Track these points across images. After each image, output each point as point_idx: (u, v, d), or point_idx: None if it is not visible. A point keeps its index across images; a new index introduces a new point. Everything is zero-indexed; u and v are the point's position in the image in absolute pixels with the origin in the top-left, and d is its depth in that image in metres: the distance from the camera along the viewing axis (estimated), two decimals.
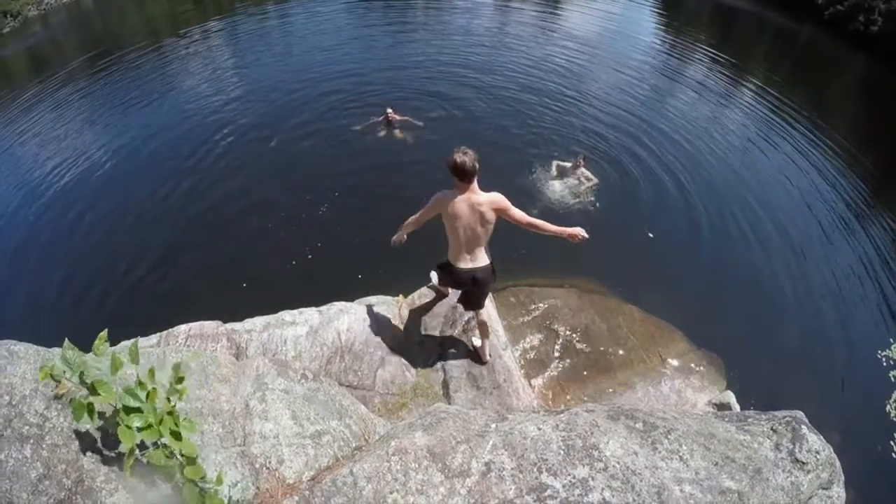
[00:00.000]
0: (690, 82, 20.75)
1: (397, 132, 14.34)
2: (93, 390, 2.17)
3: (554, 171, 12.44)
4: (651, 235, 11.06)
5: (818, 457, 3.07)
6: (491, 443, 3.08)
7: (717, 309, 9.80)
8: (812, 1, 38.11)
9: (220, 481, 2.43)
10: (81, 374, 2.23)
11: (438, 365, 6.14)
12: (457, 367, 6.08)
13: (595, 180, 12.07)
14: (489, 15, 28.89)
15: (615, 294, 9.41)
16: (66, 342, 2.33)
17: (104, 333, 2.37)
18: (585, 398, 7.38)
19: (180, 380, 2.41)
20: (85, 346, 5.17)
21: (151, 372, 2.35)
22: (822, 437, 3.24)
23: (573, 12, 30.44)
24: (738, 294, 10.37)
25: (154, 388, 2.28)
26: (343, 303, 6.80)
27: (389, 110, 14.35)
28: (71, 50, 38.52)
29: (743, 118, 18.24)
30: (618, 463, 2.87)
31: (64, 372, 2.22)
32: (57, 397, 2.42)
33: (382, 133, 14.41)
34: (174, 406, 2.33)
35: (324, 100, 16.83)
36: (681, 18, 34.11)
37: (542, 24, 26.87)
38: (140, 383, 2.28)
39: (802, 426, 3.24)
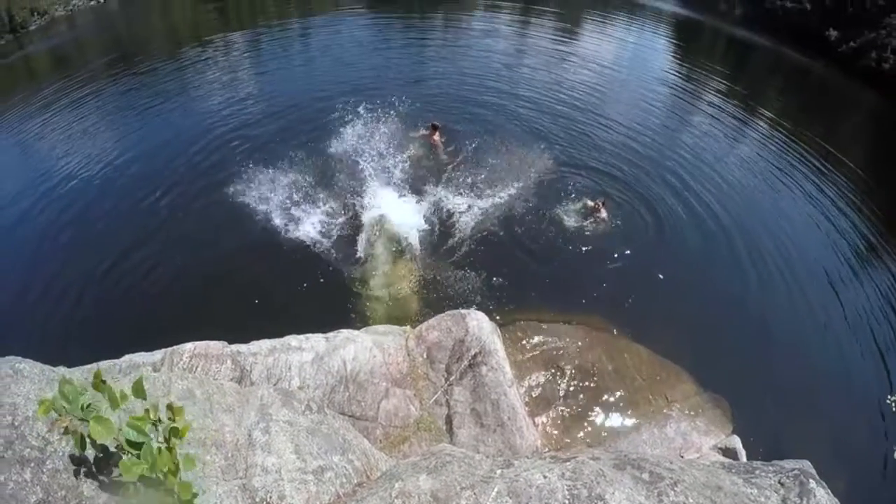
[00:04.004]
0: (703, 116, 20.88)
1: (436, 150, 14.51)
2: (93, 427, 2.14)
3: (574, 208, 12.47)
4: (661, 277, 11.02)
5: None
6: (496, 490, 3.02)
7: (725, 351, 9.71)
8: (825, 37, 38.75)
9: None
10: (82, 408, 2.20)
11: (443, 399, 6.09)
12: (461, 403, 6.03)
13: (609, 223, 12.07)
14: (507, 39, 29.38)
15: (623, 333, 9.34)
16: (63, 376, 2.31)
17: (99, 372, 2.34)
18: (589, 439, 7.26)
19: (179, 413, 2.36)
20: (91, 356, 5.17)
21: (155, 408, 2.32)
22: (829, 490, 3.17)
23: (589, 40, 30.93)
24: (746, 337, 10.28)
25: (156, 424, 2.25)
26: (350, 331, 6.79)
27: (436, 136, 14.61)
28: (94, 51, 39.38)
29: (754, 155, 18.26)
30: None
31: (64, 406, 2.20)
32: (58, 429, 2.40)
33: (417, 151, 14.45)
34: (174, 444, 2.30)
35: (341, 112, 16.64)
36: (696, 50, 34.54)
37: (558, 50, 27.25)
38: (142, 417, 2.25)
39: (810, 480, 3.17)
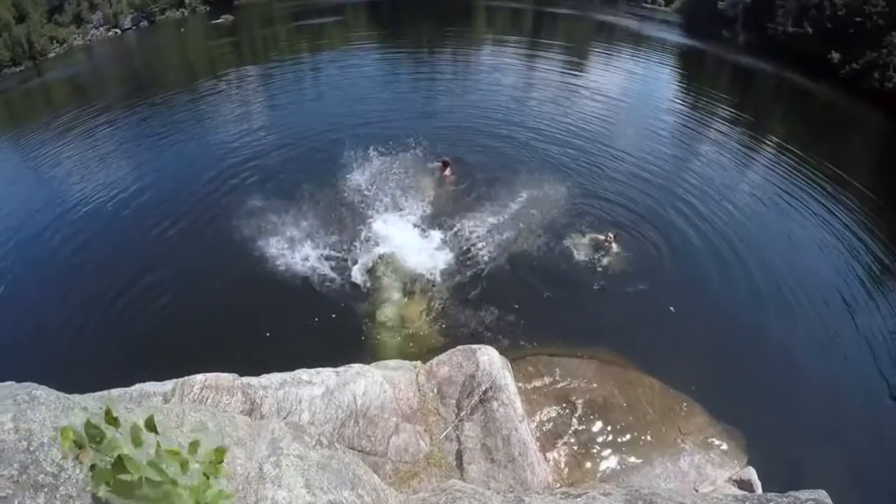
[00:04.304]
0: (711, 144, 21.06)
1: (447, 184, 14.78)
2: (118, 465, 2.19)
3: (585, 241, 12.53)
4: (672, 309, 10.97)
5: None
6: None
7: (739, 381, 9.58)
8: (827, 60, 39.08)
9: None
10: (106, 445, 2.25)
11: (453, 435, 6.08)
12: (471, 438, 6.02)
13: (620, 256, 12.09)
14: (515, 72, 29.99)
15: (635, 366, 9.30)
16: (88, 420, 2.38)
17: (111, 410, 2.41)
18: (601, 474, 7.19)
19: (219, 456, 2.41)
20: (101, 383, 5.23)
21: (194, 445, 2.37)
22: None
23: (595, 72, 31.56)
24: (760, 366, 10.18)
25: (187, 461, 2.30)
26: (360, 365, 6.83)
27: (447, 171, 14.95)
28: (110, 81, 40.84)
29: (762, 181, 18.32)
30: None
31: (88, 442, 2.26)
32: (79, 461, 2.46)
33: (428, 186, 14.65)
34: (210, 483, 2.34)
35: (352, 146, 16.89)
36: (701, 78, 35.06)
37: (566, 82, 27.85)
38: (169, 452, 2.30)
39: None
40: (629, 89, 28.25)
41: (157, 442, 2.33)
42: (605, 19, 55.26)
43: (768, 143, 22.57)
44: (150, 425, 2.41)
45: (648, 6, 77.68)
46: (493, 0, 65.26)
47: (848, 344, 11.04)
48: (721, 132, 22.92)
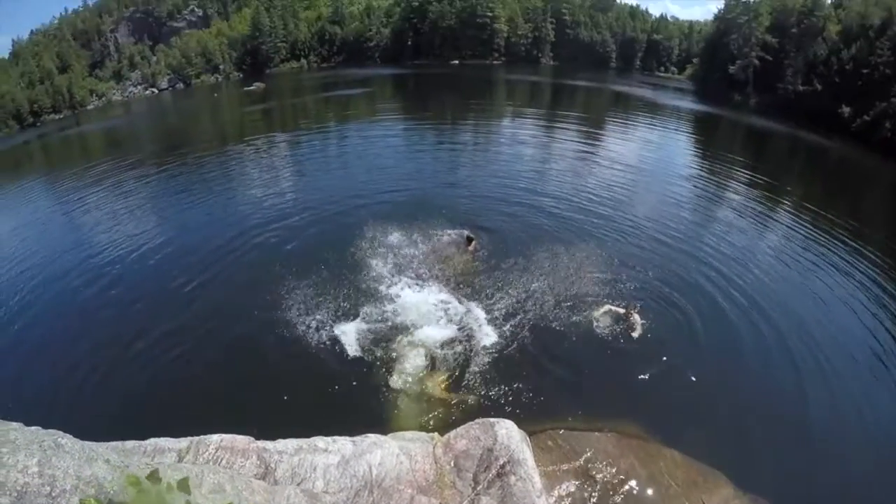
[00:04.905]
0: (728, 208, 21.21)
1: (470, 257, 15.03)
2: None
3: (606, 313, 12.47)
4: (693, 378, 10.80)
5: None
6: None
7: (764, 450, 9.29)
8: (839, 115, 39.90)
9: None
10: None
11: None
12: None
13: (640, 328, 11.98)
14: (535, 143, 31.13)
15: (655, 438, 9.15)
16: (129, 475, 2.51)
17: (135, 478, 2.52)
18: None
19: None
20: (116, 432, 5.35)
21: None
22: None
23: (612, 141, 32.57)
24: (785, 433, 9.88)
25: None
26: (377, 436, 6.85)
27: (472, 245, 15.27)
28: (145, 137, 43.37)
29: (782, 242, 18.30)
30: None
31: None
32: None
33: (451, 259, 14.91)
34: None
35: (376, 215, 17.62)
36: (716, 143, 35.75)
37: (584, 152, 28.74)
38: None
39: None
40: (646, 157, 28.90)
41: (187, 502, 2.45)
42: (620, 90, 57.08)
43: (786, 202, 22.75)
44: (184, 487, 2.54)
45: (662, 75, 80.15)
46: (513, 74, 68.30)
47: (875, 409, 10.67)
48: (739, 194, 23.19)
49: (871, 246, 17.65)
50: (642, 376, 10.67)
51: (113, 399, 10.52)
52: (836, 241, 18.01)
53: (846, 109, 38.99)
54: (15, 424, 3.69)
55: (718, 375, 11.26)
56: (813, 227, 19.35)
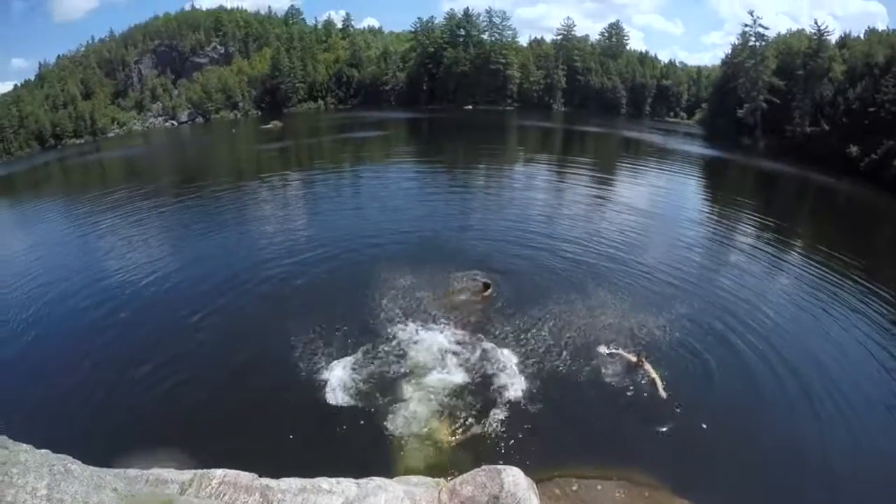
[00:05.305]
0: (740, 253, 21.10)
1: (483, 303, 14.94)
2: None
3: (616, 360, 12.34)
4: (704, 426, 10.56)
5: None
6: None
7: (778, 499, 9.11)
8: (846, 155, 39.95)
9: None
10: None
11: None
12: None
13: (655, 376, 11.78)
14: (546, 189, 31.55)
15: (666, 487, 9.02)
16: None
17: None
18: None
19: None
20: (118, 459, 5.27)
21: None
22: None
23: (623, 186, 32.83)
24: (800, 479, 9.63)
25: None
26: (382, 479, 6.79)
27: (487, 292, 15.19)
28: (162, 168, 44.38)
29: (794, 285, 18.16)
30: None
31: None
32: None
33: (464, 301, 14.92)
34: None
35: (389, 256, 17.72)
36: (726, 186, 35.94)
37: (595, 197, 28.95)
38: None
39: None
40: (657, 201, 29.12)
41: None
42: (630, 135, 57.79)
43: (797, 244, 22.77)
44: None
45: (671, 120, 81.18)
46: (525, 120, 69.51)
47: (891, 449, 10.39)
48: (749, 237, 23.21)
49: (884, 285, 17.51)
50: (652, 423, 10.54)
51: (114, 422, 10.50)
52: (848, 282, 17.90)
53: (854, 149, 39.15)
54: (25, 446, 3.71)
55: (731, 422, 11.06)
56: (825, 268, 19.25)
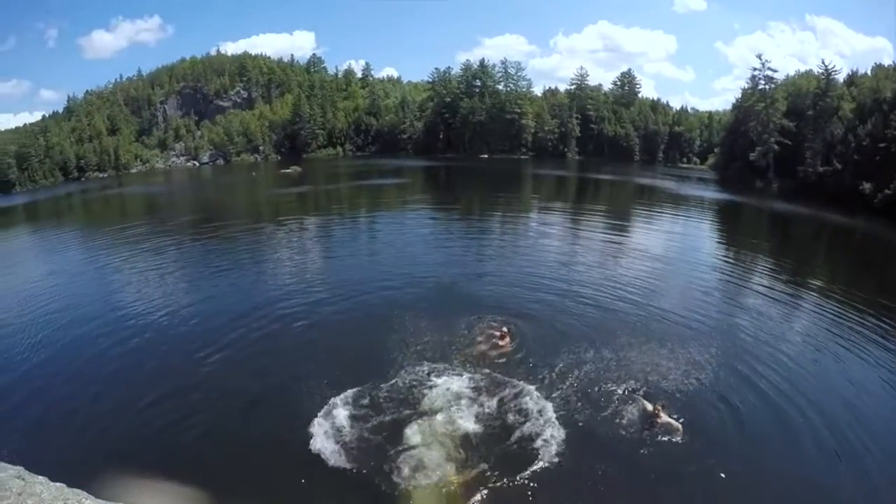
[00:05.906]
0: (756, 296, 20.94)
1: (501, 350, 14.69)
2: None
3: (634, 409, 12.13)
4: (723, 475, 10.23)
5: None
6: None
7: None
8: (860, 192, 40.12)
9: None
10: None
11: None
12: None
13: (677, 427, 11.53)
14: (561, 236, 31.81)
15: None
16: None
17: None
18: None
19: None
20: (110, 491, 5.21)
21: None
22: None
23: (638, 233, 33.26)
24: None
25: None
26: None
27: (506, 340, 14.98)
28: (182, 206, 45.32)
29: (813, 327, 17.90)
30: None
31: None
32: None
33: (481, 348, 14.75)
34: None
35: (405, 304, 17.72)
36: (740, 230, 35.98)
37: (610, 243, 29.28)
38: None
39: None
40: (672, 247, 29.34)
41: None
42: (644, 182, 58.23)
43: (813, 285, 22.64)
44: None
45: (684, 165, 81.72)
46: (540, 169, 70.52)
47: None
48: (766, 280, 23.21)
49: None
50: (669, 474, 10.33)
51: (113, 455, 10.35)
52: (868, 320, 17.75)
53: (867, 186, 39.03)
54: (41, 478, 3.77)
55: (750, 471, 10.75)
56: (844, 306, 19.14)
